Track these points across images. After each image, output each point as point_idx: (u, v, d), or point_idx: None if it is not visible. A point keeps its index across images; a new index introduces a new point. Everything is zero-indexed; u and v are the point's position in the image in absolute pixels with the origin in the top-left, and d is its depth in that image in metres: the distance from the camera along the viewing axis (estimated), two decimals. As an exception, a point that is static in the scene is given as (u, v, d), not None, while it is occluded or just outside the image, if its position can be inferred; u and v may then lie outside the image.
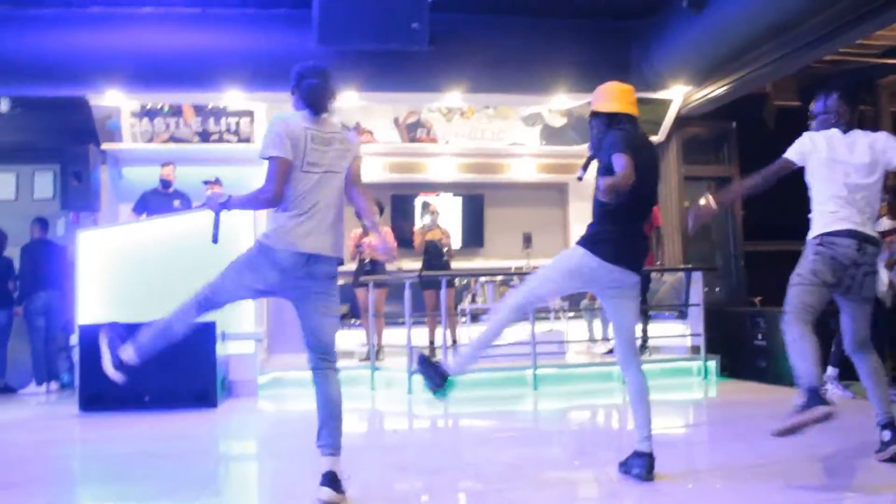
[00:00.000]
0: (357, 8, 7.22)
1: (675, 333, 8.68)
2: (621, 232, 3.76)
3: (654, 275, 8.60)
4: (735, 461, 4.20)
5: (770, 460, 4.14)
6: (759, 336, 8.17)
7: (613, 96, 4.00)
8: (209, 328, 6.69)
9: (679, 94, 9.22)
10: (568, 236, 10.80)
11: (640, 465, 3.73)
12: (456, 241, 9.63)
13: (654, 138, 9.62)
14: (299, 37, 7.60)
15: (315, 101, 3.58)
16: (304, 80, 3.62)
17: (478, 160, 10.39)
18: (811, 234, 4.02)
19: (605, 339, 8.62)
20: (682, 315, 8.88)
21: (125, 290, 7.02)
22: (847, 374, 4.23)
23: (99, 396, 6.66)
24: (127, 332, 3.78)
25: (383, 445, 5.36)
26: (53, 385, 8.60)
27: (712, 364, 8.07)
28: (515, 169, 10.47)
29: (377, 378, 8.01)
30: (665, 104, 9.39)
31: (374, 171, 10.17)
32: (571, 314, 9.45)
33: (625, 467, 3.83)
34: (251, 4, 7.79)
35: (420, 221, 9.14)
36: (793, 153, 4.13)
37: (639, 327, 8.31)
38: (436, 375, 3.79)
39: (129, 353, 3.75)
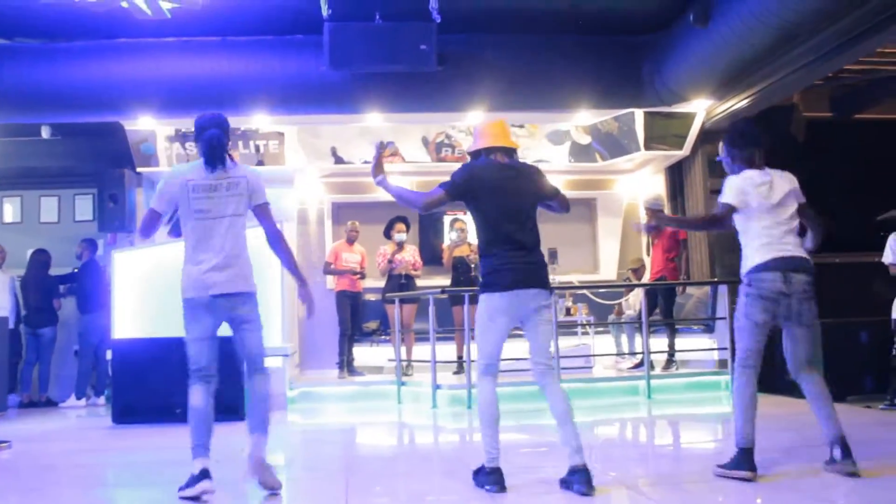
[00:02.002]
0: (365, 32, 7.43)
1: (701, 347, 8.65)
2: (505, 260, 3.90)
3: (678, 288, 8.59)
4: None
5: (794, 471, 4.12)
6: (789, 349, 8.13)
7: (479, 134, 4.19)
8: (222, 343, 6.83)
9: (701, 108, 9.25)
10: (597, 250, 10.84)
11: (579, 480, 3.65)
12: (484, 258, 9.67)
13: (679, 153, 9.65)
14: (314, 61, 7.83)
15: (209, 152, 3.88)
16: (204, 131, 3.93)
17: (505, 177, 10.42)
18: (742, 269, 4.15)
19: (632, 353, 8.63)
20: (709, 329, 8.84)
21: (157, 308, 7.21)
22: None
23: (131, 409, 6.88)
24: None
25: (410, 457, 5.43)
26: (101, 400, 8.86)
27: (740, 378, 8.04)
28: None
29: (404, 393, 8.10)
30: (690, 118, 9.41)
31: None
32: (599, 329, 9.48)
33: (566, 484, 3.73)
34: (268, 32, 8.06)
35: (448, 238, 9.25)
36: (729, 198, 4.16)
37: (665, 341, 8.35)
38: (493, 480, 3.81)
39: (199, 463, 3.83)
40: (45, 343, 8.99)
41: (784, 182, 4.17)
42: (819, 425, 4.04)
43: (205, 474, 3.75)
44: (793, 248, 4.09)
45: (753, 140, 4.30)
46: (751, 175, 4.15)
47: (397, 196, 4.22)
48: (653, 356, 8.10)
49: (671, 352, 8.30)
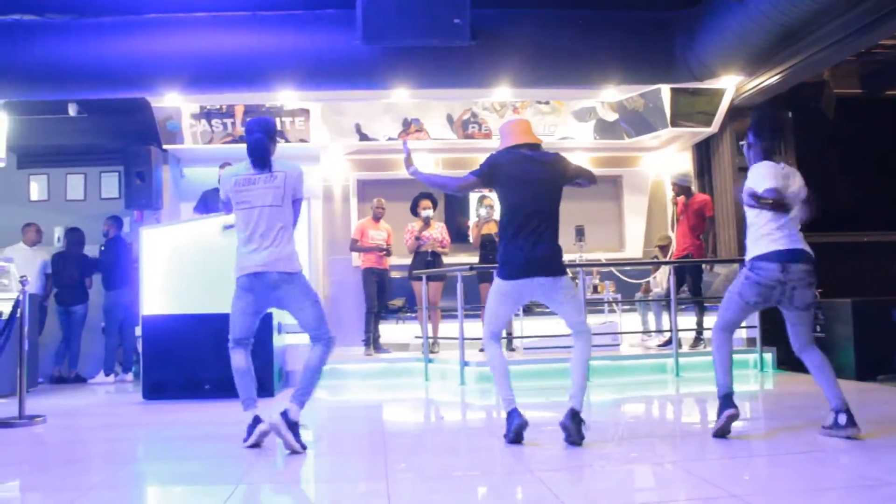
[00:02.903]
0: (399, 6, 7.33)
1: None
2: (514, 248, 4.37)
3: (706, 266, 8.52)
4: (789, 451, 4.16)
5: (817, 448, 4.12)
6: (818, 328, 8.06)
7: (506, 133, 4.65)
8: (266, 319, 6.86)
9: (731, 84, 9.14)
10: (623, 228, 10.77)
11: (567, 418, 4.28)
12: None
13: (707, 130, 9.57)
14: (345, 35, 7.75)
15: (252, 154, 4.48)
16: (251, 134, 4.51)
17: (531, 154, 10.38)
18: (747, 256, 4.52)
19: (659, 331, 8.58)
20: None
21: (185, 284, 7.25)
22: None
23: (161, 385, 6.93)
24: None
25: (437, 433, 5.44)
26: (129, 376, 8.95)
27: (769, 356, 8.00)
28: (568, 163, 10.45)
29: (431, 370, 8.11)
30: (718, 95, 9.31)
31: (427, 167, 10.29)
32: (626, 307, 9.44)
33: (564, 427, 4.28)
34: (299, 6, 7.98)
35: (476, 215, 9.20)
36: (774, 182, 4.39)
37: (693, 319, 8.30)
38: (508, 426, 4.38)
39: (251, 413, 4.52)
40: (77, 320, 9.08)
41: (797, 178, 4.49)
42: (824, 395, 4.37)
43: (257, 420, 4.44)
44: (796, 239, 4.40)
45: (777, 131, 4.70)
46: (775, 167, 4.43)
47: (431, 183, 4.92)
48: (681, 334, 8.06)
49: (699, 330, 8.24)
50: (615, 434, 4.96)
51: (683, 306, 8.41)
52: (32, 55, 7.67)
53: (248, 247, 4.45)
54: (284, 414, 4.30)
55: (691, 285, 8.28)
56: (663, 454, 4.25)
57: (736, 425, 4.45)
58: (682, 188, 8.36)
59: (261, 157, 4.46)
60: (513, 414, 4.34)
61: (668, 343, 8.24)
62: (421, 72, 8.16)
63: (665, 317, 8.50)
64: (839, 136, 10.32)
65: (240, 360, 4.56)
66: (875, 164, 10.65)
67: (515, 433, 4.32)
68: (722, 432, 4.38)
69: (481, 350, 8.49)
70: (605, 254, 10.41)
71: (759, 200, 4.32)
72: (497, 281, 4.45)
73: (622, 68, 8.38)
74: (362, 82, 8.28)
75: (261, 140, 4.47)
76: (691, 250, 8.19)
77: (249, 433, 4.43)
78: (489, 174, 4.48)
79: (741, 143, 4.75)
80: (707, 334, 8.31)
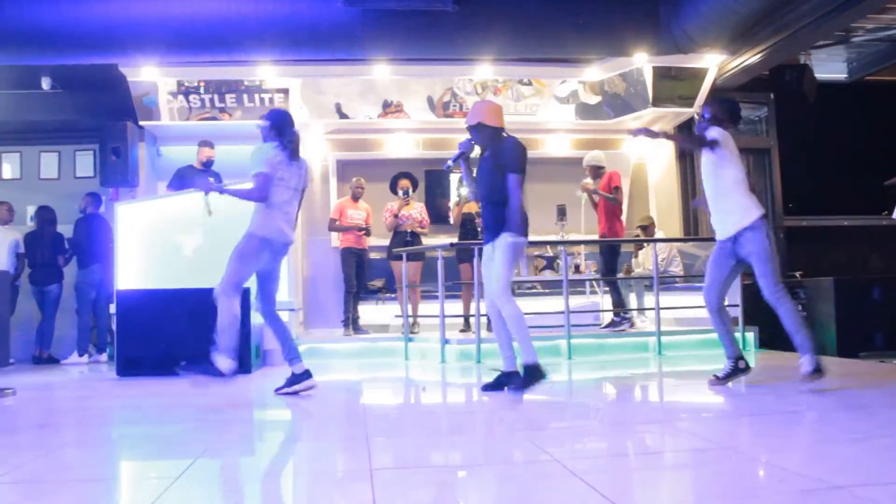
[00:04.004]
0: (382, -34, 7.24)
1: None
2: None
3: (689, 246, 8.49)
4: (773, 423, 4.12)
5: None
6: (800, 308, 8.07)
7: (494, 114, 5.10)
8: (243, 296, 6.72)
9: (713, 64, 9.11)
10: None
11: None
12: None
13: (689, 110, 9.55)
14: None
15: (294, 148, 5.14)
16: (288, 128, 5.14)
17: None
18: (758, 213, 4.81)
19: (641, 309, 8.54)
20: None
21: (161, 260, 7.12)
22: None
23: (136, 361, 6.80)
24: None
25: (417, 413, 5.35)
26: (103, 357, 8.78)
27: (751, 336, 7.97)
28: (549, 144, 10.39)
29: (411, 349, 8.02)
30: (700, 76, 9.28)
31: (406, 147, 10.19)
32: (606, 288, 9.39)
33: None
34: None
35: (457, 194, 9.09)
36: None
37: (679, 299, 8.27)
38: (531, 379, 4.95)
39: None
40: (51, 300, 8.90)
41: None
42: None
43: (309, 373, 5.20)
44: None
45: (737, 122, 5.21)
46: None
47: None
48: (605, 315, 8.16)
49: (618, 311, 8.24)
50: (598, 403, 4.89)
51: (665, 286, 8.37)
52: (2, 17, 7.44)
53: (279, 216, 5.05)
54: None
55: (608, 265, 8.23)
56: (651, 417, 4.19)
57: (724, 393, 4.41)
58: (596, 169, 8.29)
59: (297, 149, 5.15)
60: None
61: (612, 325, 8.21)
62: (403, 39, 8.05)
63: (646, 297, 8.46)
64: (820, 121, 10.35)
65: (237, 307, 4.97)
66: (855, 148, 10.69)
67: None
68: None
69: (461, 331, 8.47)
70: (588, 235, 10.35)
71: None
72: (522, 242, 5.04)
73: (606, 39, 8.33)
74: (343, 49, 8.14)
75: (297, 135, 5.19)
76: (606, 232, 8.14)
77: (294, 383, 5.15)
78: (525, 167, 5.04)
79: (701, 115, 5.15)
80: (691, 313, 8.30)
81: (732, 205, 4.85)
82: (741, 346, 7.68)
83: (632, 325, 8.25)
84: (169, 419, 4.51)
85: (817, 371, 4.61)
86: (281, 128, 5.10)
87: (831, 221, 10.76)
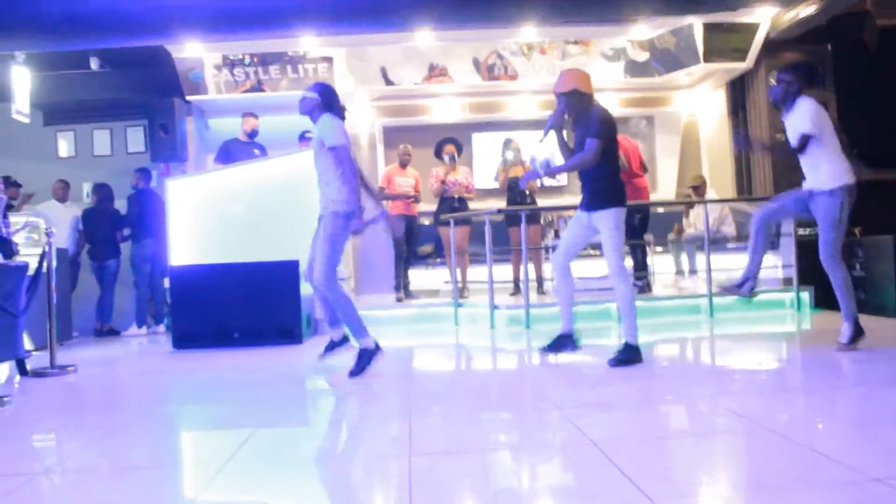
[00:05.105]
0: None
1: (766, 265, 8.37)
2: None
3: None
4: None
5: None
6: (858, 266, 7.86)
7: (583, 81, 5.02)
8: (293, 267, 6.83)
9: (766, 18, 8.81)
10: (655, 169, 10.51)
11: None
12: (539, 178, 9.50)
13: (742, 65, 9.29)
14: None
15: (344, 115, 5.08)
16: (338, 100, 5.09)
17: (557, 97, 10.16)
18: (840, 183, 4.90)
19: (693, 271, 8.42)
20: (774, 246, 8.55)
21: (212, 234, 7.23)
22: None
23: (191, 334, 6.95)
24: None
25: (468, 378, 5.39)
26: (161, 328, 8.99)
27: (805, 296, 7.80)
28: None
29: (461, 315, 8.05)
30: (752, 30, 8.99)
31: (452, 111, 10.12)
32: (659, 248, 9.28)
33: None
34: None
35: (503, 158, 9.03)
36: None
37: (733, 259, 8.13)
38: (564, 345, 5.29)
39: (369, 342, 4.94)
40: (110, 274, 9.12)
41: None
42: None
43: (378, 346, 4.98)
44: None
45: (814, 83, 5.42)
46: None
47: (570, 169, 5.17)
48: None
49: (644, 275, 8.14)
50: (646, 373, 4.85)
51: (717, 246, 8.23)
52: (51, 5, 7.52)
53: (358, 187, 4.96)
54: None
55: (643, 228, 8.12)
56: (698, 393, 4.14)
57: (770, 359, 4.33)
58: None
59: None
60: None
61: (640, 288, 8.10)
62: (444, 7, 7.89)
63: (697, 258, 8.33)
64: (882, 69, 9.95)
65: (345, 292, 5.00)
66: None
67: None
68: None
69: (511, 294, 8.47)
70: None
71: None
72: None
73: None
74: (383, 20, 8.02)
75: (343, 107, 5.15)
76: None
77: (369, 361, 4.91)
78: (610, 134, 4.95)
79: (777, 82, 5.14)
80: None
81: (821, 163, 4.96)
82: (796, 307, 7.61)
83: (649, 290, 8.15)
84: (223, 393, 4.62)
85: (854, 341, 4.93)
86: (331, 101, 5.08)
87: (893, 175, 10.38)
